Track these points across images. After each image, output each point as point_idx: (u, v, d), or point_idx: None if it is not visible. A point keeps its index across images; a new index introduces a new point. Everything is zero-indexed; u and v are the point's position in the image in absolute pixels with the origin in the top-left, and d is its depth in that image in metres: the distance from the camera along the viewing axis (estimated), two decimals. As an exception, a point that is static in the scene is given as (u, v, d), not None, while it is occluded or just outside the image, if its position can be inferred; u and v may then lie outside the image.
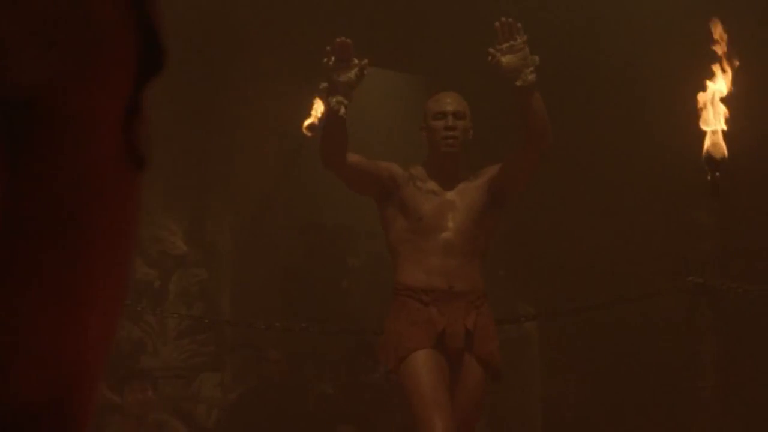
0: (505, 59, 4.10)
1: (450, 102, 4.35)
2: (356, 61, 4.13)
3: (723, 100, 4.38)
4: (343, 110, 4.12)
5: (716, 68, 4.48)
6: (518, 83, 4.07)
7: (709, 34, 4.31)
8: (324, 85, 4.17)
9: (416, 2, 8.17)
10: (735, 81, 4.30)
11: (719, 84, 4.46)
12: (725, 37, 4.39)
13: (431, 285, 4.16)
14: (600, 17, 7.32)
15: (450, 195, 4.28)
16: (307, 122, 7.69)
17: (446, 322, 4.12)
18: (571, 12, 7.44)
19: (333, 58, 4.11)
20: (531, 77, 4.06)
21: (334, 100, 4.11)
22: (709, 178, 4.38)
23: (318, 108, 7.67)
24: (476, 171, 4.36)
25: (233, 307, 7.63)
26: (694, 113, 4.12)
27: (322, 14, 8.15)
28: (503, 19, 4.13)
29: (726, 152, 4.29)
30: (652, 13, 7.14)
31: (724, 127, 4.33)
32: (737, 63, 4.43)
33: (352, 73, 4.10)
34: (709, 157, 4.28)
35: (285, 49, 8.20)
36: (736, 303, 6.39)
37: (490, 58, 4.12)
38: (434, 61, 8.56)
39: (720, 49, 4.40)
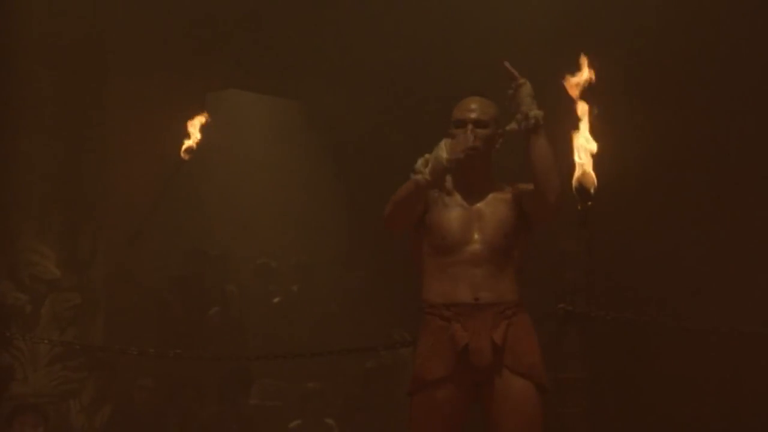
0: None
1: (473, 109, 4.10)
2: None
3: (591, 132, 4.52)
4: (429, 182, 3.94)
5: (581, 103, 4.59)
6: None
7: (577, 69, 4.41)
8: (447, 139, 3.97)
9: (293, 31, 8.22)
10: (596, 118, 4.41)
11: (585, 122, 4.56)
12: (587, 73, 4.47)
13: (454, 298, 3.99)
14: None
15: (477, 206, 4.09)
16: (185, 146, 7.65)
17: (469, 338, 3.96)
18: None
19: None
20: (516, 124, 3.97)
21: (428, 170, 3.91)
22: (579, 207, 4.48)
23: (195, 132, 7.64)
24: (513, 183, 4.16)
25: (107, 333, 7.52)
26: (564, 144, 4.22)
27: (197, 39, 8.14)
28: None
29: (596, 182, 4.39)
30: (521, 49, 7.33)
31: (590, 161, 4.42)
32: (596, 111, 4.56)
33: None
34: (580, 188, 4.37)
35: (160, 72, 8.15)
36: (602, 330, 6.57)
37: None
38: (311, 87, 8.63)
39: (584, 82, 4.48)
